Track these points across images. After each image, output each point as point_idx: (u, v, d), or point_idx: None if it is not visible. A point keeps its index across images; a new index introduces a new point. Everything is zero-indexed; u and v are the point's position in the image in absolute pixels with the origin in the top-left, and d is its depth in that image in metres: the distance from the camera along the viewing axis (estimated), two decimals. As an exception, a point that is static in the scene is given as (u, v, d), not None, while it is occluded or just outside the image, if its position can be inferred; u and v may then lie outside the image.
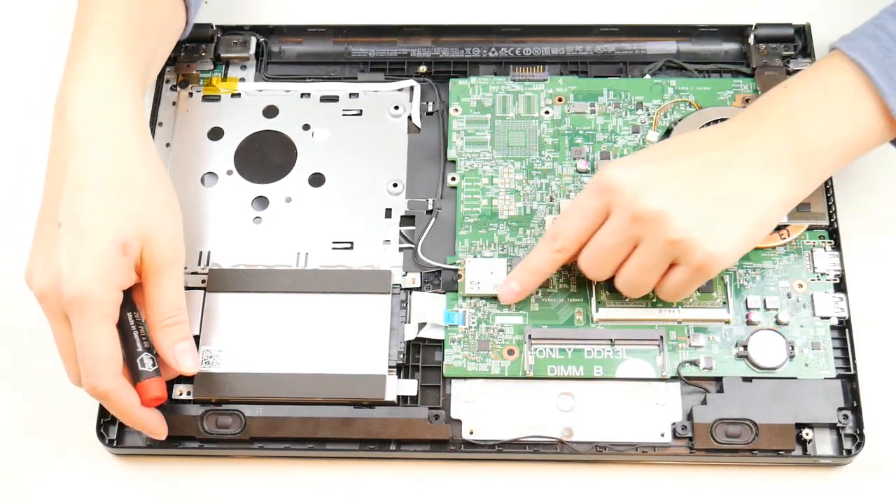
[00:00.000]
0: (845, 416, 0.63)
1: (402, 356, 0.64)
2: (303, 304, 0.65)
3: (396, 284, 0.66)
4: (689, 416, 0.63)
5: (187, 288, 0.66)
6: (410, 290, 0.67)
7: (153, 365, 0.60)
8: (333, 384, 0.63)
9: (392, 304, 0.65)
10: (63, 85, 0.62)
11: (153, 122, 0.73)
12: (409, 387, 0.64)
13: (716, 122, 0.71)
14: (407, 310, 0.66)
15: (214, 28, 0.75)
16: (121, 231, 0.59)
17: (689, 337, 0.65)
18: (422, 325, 0.65)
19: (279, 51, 0.77)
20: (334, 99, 0.74)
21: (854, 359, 0.64)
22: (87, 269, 0.57)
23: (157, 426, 0.61)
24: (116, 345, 0.59)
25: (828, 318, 0.65)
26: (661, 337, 0.65)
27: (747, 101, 0.72)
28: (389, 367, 0.63)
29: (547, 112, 0.73)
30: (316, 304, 0.65)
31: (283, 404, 0.63)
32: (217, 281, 0.66)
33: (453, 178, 0.71)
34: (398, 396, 0.64)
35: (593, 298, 0.66)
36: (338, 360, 0.64)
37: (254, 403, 0.63)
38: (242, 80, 0.75)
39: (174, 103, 0.74)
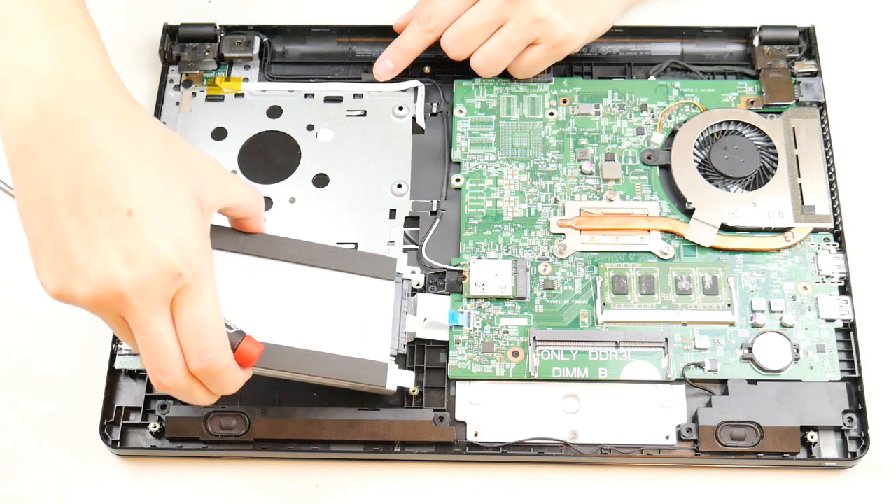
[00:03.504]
0: (850, 419, 0.63)
1: (404, 347, 0.63)
2: (305, 276, 0.61)
3: (399, 273, 0.63)
4: (694, 419, 0.63)
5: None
6: (414, 291, 0.67)
7: (233, 327, 0.56)
8: (335, 365, 0.60)
9: (396, 291, 0.62)
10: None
11: (156, 122, 0.72)
12: (407, 378, 0.62)
13: (720, 126, 0.71)
14: (412, 302, 0.64)
15: (218, 28, 0.75)
16: (190, 189, 0.52)
17: (694, 339, 0.65)
18: (426, 320, 0.65)
19: (283, 51, 0.76)
20: (338, 99, 0.73)
21: (859, 361, 0.64)
22: (190, 239, 0.51)
23: (249, 376, 0.57)
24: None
25: (833, 320, 0.65)
26: (666, 339, 0.64)
27: (752, 102, 0.72)
28: (391, 355, 0.61)
29: (551, 113, 0.72)
30: (318, 279, 0.61)
31: (280, 381, 0.61)
32: (218, 237, 0.59)
33: (458, 180, 0.70)
34: (403, 397, 0.64)
35: (598, 300, 0.66)
36: (339, 341, 0.60)
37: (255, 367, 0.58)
38: (246, 80, 0.75)
39: (178, 103, 0.73)
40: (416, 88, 0.74)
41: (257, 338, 0.57)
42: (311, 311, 0.61)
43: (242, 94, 0.74)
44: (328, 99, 0.74)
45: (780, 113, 0.71)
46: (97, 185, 0.50)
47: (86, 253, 0.50)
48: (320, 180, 0.71)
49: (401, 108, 0.73)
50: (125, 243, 0.50)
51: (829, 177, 0.69)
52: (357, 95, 0.74)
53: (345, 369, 0.60)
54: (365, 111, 0.73)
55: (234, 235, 0.60)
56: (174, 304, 0.51)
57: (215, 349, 0.52)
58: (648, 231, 0.68)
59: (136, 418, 0.64)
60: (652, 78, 0.74)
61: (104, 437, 0.63)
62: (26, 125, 0.51)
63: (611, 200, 0.69)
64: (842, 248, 0.67)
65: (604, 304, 0.66)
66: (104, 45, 0.55)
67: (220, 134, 0.72)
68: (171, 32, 0.76)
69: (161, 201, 0.51)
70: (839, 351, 0.65)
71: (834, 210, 0.68)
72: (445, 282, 0.67)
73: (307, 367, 0.59)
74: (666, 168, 0.70)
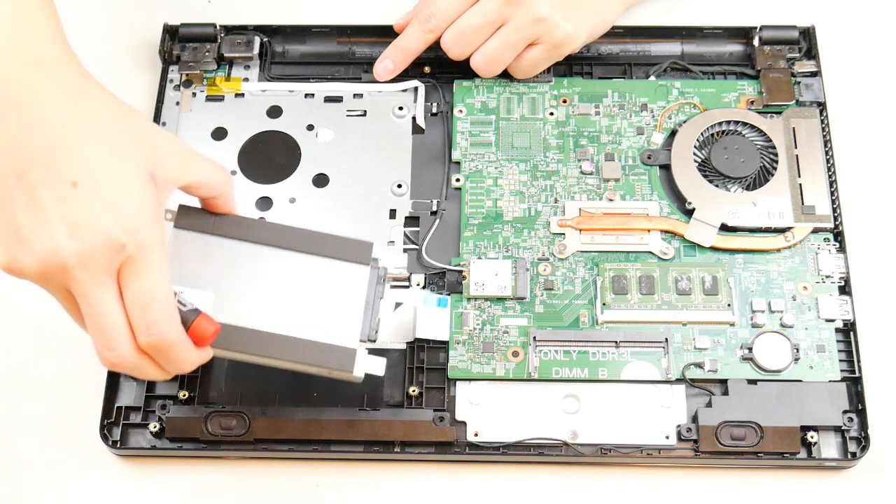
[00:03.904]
0: (850, 419, 0.63)
1: (375, 333, 0.60)
2: (276, 259, 0.59)
3: (375, 259, 0.60)
4: (694, 419, 0.63)
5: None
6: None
7: (186, 304, 0.54)
8: (300, 348, 0.58)
9: (371, 276, 0.60)
10: None
11: (156, 122, 0.72)
12: (377, 365, 0.59)
13: (719, 126, 0.71)
14: (384, 287, 0.61)
15: (218, 28, 0.75)
16: (142, 162, 0.52)
17: (694, 339, 0.65)
18: (398, 305, 0.65)
19: (283, 51, 0.76)
20: (338, 99, 0.73)
21: (859, 361, 0.64)
22: (137, 211, 0.51)
23: (208, 356, 0.56)
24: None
25: (833, 320, 0.65)
26: (666, 339, 0.64)
27: (752, 102, 0.72)
28: (361, 340, 0.59)
29: (551, 113, 0.72)
30: (290, 262, 0.60)
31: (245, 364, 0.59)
32: (186, 218, 0.59)
33: (458, 180, 0.70)
34: (404, 397, 0.64)
35: (598, 300, 0.66)
36: (308, 325, 0.59)
37: (217, 349, 0.57)
38: (246, 80, 0.75)
39: (178, 103, 0.73)
40: (416, 88, 0.74)
41: (223, 320, 0.56)
42: (281, 295, 0.59)
43: (242, 94, 0.74)
44: (328, 99, 0.74)
45: (780, 113, 0.71)
46: (42, 155, 0.50)
47: (32, 224, 0.50)
48: (320, 180, 0.71)
49: (401, 108, 0.73)
50: (69, 214, 0.49)
51: (829, 177, 0.69)
52: (357, 95, 0.74)
53: (310, 354, 0.58)
54: (365, 111, 0.73)
55: (203, 216, 0.59)
56: (121, 278, 0.51)
57: (164, 323, 0.52)
58: (648, 231, 0.68)
59: (136, 418, 0.64)
60: (652, 78, 0.74)
61: (104, 437, 0.63)
62: None
63: (611, 200, 0.69)
64: (842, 248, 0.67)
65: (604, 304, 0.66)
66: (58, 17, 0.56)
67: (220, 134, 0.72)
68: (171, 32, 0.76)
69: (107, 173, 0.50)
70: (839, 351, 0.65)
71: (834, 210, 0.68)
72: (445, 282, 0.67)
73: (272, 349, 0.58)
74: (666, 168, 0.70)
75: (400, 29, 0.73)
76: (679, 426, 0.63)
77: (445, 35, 0.70)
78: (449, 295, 0.66)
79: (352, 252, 0.60)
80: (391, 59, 0.72)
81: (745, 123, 0.71)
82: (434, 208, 0.70)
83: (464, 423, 0.63)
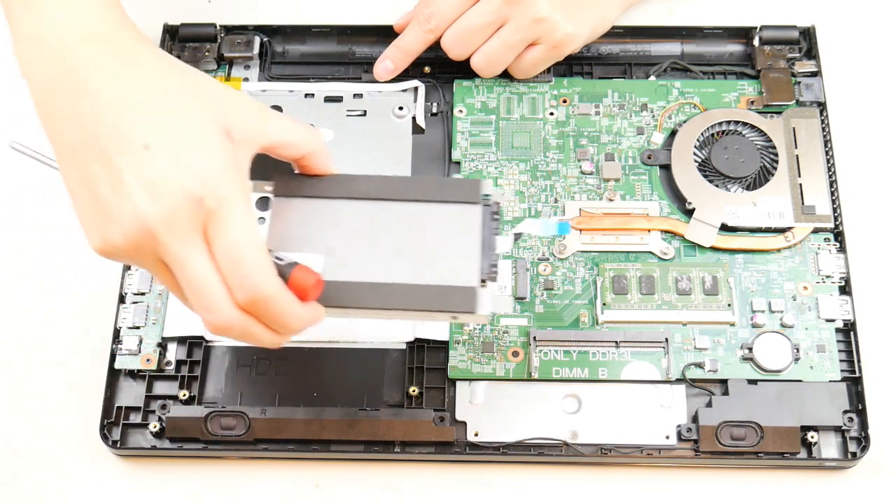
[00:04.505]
0: (850, 419, 0.63)
1: (495, 271, 0.56)
2: (382, 211, 0.57)
3: (487, 195, 0.57)
4: (695, 419, 0.63)
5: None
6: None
7: (284, 259, 0.52)
8: (417, 295, 0.55)
9: (483, 214, 0.57)
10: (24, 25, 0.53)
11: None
12: (505, 303, 0.58)
13: (720, 126, 0.71)
14: (499, 223, 0.58)
15: (218, 28, 0.75)
16: (213, 120, 0.52)
17: (694, 339, 0.65)
18: (518, 236, 0.63)
19: (283, 51, 0.76)
20: (338, 99, 0.73)
21: (859, 361, 0.64)
22: (211, 165, 0.50)
23: (320, 314, 0.54)
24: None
25: (833, 320, 0.65)
26: (667, 339, 0.64)
27: (752, 102, 0.72)
28: (482, 280, 0.56)
29: (551, 113, 0.72)
30: (397, 212, 0.57)
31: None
32: (283, 185, 0.57)
33: (458, 180, 0.71)
34: (403, 397, 0.64)
35: (598, 300, 0.66)
36: (422, 272, 0.56)
37: (331, 307, 0.55)
38: (246, 79, 0.75)
39: (178, 103, 0.73)
40: (416, 88, 0.74)
41: (335, 278, 0.54)
42: (391, 246, 0.57)
43: (242, 94, 0.74)
44: (328, 99, 0.73)
45: (780, 113, 0.71)
46: (112, 126, 0.50)
47: (113, 196, 0.49)
48: (320, 180, 0.70)
49: (401, 108, 0.73)
50: (146, 177, 0.49)
51: (829, 177, 0.69)
52: (357, 95, 0.74)
53: (428, 299, 0.55)
54: (365, 111, 0.73)
55: (300, 180, 0.57)
56: (208, 236, 0.50)
57: (257, 275, 0.50)
58: (648, 231, 0.68)
59: (136, 418, 0.64)
60: (652, 78, 0.74)
61: (104, 437, 0.63)
62: (45, 83, 0.52)
63: (611, 200, 0.69)
64: (842, 248, 0.67)
65: (604, 304, 0.66)
66: None
67: (220, 134, 0.72)
68: (171, 32, 0.76)
69: (178, 132, 0.50)
70: (839, 351, 0.65)
71: (834, 210, 0.68)
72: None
73: (388, 300, 0.55)
74: (666, 168, 0.70)
75: (400, 29, 0.73)
76: (679, 426, 0.63)
77: (446, 35, 0.70)
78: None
79: (460, 192, 0.57)
80: (391, 59, 0.72)
81: (745, 123, 0.71)
82: (434, 208, 0.69)
83: (464, 423, 0.63)
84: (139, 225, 0.49)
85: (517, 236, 0.63)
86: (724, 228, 0.68)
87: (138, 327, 0.66)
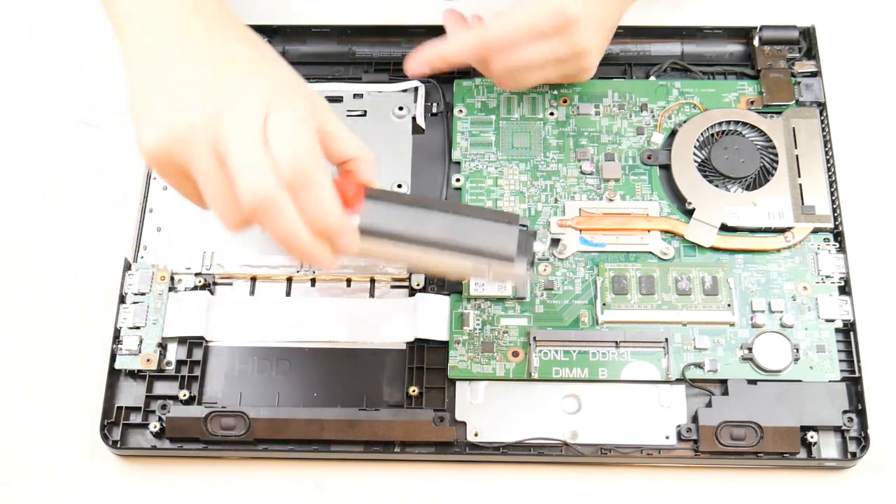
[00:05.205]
0: (850, 419, 0.63)
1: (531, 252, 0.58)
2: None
3: (524, 226, 0.58)
4: (694, 419, 0.63)
5: (193, 289, 0.66)
6: (413, 291, 0.67)
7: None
8: (462, 231, 0.56)
9: (520, 231, 0.58)
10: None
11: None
12: (540, 245, 0.58)
13: (719, 126, 0.71)
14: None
15: (218, 28, 0.75)
16: (290, 70, 0.58)
17: (694, 339, 0.65)
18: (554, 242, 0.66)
19: (283, 51, 0.76)
20: (338, 99, 0.73)
21: (859, 362, 0.64)
22: (286, 72, 0.57)
23: (355, 235, 0.56)
24: None
25: (832, 320, 0.65)
26: (666, 339, 0.64)
27: (752, 102, 0.72)
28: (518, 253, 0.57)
29: (551, 113, 0.72)
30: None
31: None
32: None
33: (458, 180, 0.71)
34: (403, 397, 0.64)
35: (598, 300, 0.66)
36: (466, 235, 0.56)
37: (368, 236, 0.56)
38: (246, 80, 0.74)
39: (178, 103, 0.73)
40: (416, 88, 0.74)
41: (375, 209, 0.56)
42: (436, 222, 0.57)
43: (242, 94, 0.74)
44: (328, 99, 0.73)
45: (780, 113, 0.71)
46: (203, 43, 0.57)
47: (190, 89, 0.53)
48: (320, 180, 0.70)
49: (401, 108, 0.73)
50: (229, 75, 0.54)
51: (829, 177, 0.69)
52: (357, 95, 0.74)
53: (468, 236, 0.56)
54: (365, 111, 0.73)
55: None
56: (267, 123, 0.52)
57: (305, 157, 0.52)
58: (648, 231, 0.68)
59: (136, 418, 0.64)
60: (652, 78, 0.74)
61: (104, 437, 0.63)
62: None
63: (611, 200, 0.69)
64: (842, 248, 0.67)
65: (604, 304, 0.66)
66: None
67: (220, 134, 0.72)
68: (171, 32, 0.75)
69: (260, 53, 0.57)
70: (839, 351, 0.65)
71: (834, 210, 0.68)
72: (446, 281, 0.67)
73: (426, 231, 0.56)
74: (666, 168, 0.70)
75: (451, 32, 0.69)
76: (679, 426, 0.63)
77: (498, 67, 0.66)
78: (449, 295, 0.66)
79: (500, 216, 0.58)
80: (431, 66, 0.67)
81: (745, 123, 0.71)
82: (434, 208, 0.69)
83: (464, 423, 0.63)
84: (211, 101, 0.53)
85: (554, 242, 0.65)
86: (724, 228, 0.68)
87: (138, 327, 0.66)
